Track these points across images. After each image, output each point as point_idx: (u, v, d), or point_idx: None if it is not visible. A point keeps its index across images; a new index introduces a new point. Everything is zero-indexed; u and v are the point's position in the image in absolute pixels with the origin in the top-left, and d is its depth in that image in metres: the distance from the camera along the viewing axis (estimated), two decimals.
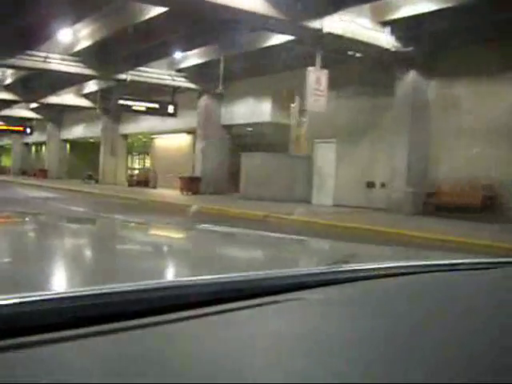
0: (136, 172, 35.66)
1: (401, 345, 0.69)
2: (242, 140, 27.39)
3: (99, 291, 0.70)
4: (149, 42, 19.94)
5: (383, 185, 18.35)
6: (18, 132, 41.35)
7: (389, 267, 1.12)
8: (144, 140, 37.05)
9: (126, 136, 35.90)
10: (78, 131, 41.52)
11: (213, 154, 25.42)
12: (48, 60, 21.63)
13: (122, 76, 23.31)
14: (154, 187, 30.37)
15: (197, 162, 25.78)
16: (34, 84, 30.82)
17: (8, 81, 30.80)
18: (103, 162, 35.16)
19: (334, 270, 1.06)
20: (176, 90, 24.68)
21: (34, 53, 21.35)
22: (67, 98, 33.32)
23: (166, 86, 24.38)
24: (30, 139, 49.37)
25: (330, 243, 2.13)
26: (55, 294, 0.70)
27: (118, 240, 1.81)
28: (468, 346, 0.70)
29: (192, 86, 24.85)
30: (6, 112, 39.50)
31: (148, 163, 37.23)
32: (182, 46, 21.00)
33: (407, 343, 0.70)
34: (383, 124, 18.29)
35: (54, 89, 31.58)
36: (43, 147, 50.38)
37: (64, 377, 0.54)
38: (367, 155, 18.98)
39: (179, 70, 24.16)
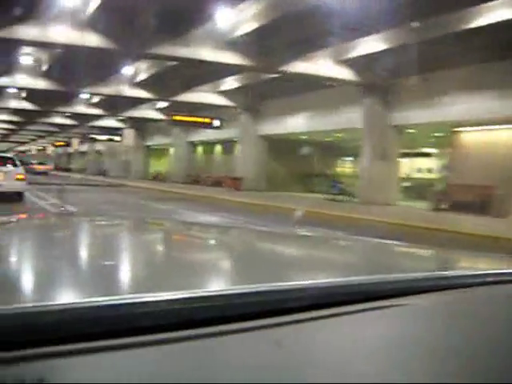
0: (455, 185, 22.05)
1: (502, 357, 0.69)
2: None
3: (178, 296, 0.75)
4: None
5: None
6: (202, 125, 30.49)
7: (490, 274, 1.13)
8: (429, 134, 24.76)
9: (397, 127, 23.63)
10: (290, 124, 29.93)
11: None
12: None
13: None
14: (504, 215, 17.34)
15: None
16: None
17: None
18: (369, 169, 23.13)
19: (435, 276, 1.08)
20: None
21: None
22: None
23: None
24: (197, 137, 38.88)
25: (429, 249, 2.02)
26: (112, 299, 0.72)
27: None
28: None
29: None
30: (184, 97, 29.19)
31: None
32: None
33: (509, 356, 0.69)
34: None
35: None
36: (217, 147, 39.74)
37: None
38: None
39: None
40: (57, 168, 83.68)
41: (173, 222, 3.11)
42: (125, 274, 1.13)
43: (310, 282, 0.91)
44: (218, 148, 39.88)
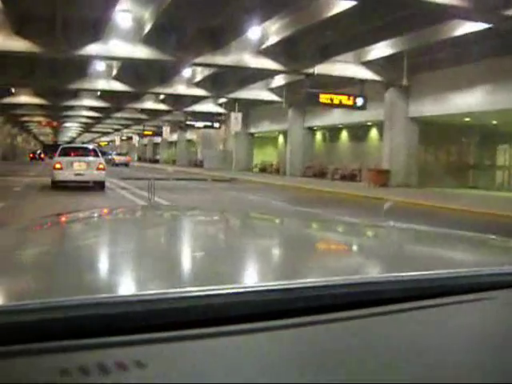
0: None
1: None
2: None
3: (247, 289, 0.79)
4: None
5: None
6: (339, 105, 24.11)
7: None
8: None
9: None
10: (456, 102, 23.01)
11: None
12: None
13: None
14: None
15: None
16: None
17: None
18: None
19: None
20: None
21: None
22: None
23: None
24: (317, 121, 32.78)
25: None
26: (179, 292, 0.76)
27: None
28: None
29: None
30: (317, 69, 22.88)
31: None
32: None
33: None
34: None
35: None
36: (343, 133, 33.44)
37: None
38: None
39: None
40: (141, 159, 79.75)
41: (287, 218, 2.94)
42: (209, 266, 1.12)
43: (388, 274, 0.93)
44: (345, 134, 33.31)
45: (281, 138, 40.53)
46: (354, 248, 1.60)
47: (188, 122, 41.45)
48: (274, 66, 22.84)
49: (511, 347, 0.71)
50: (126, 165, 55.02)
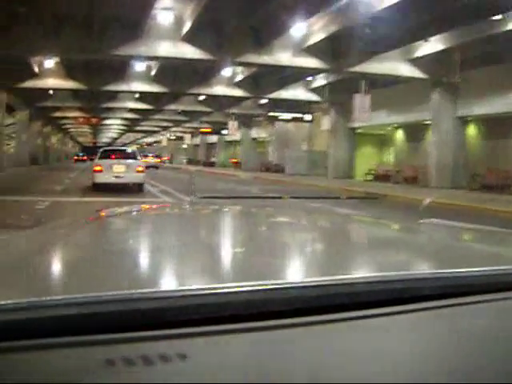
0: None
1: None
2: None
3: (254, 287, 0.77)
4: None
5: None
6: None
7: None
8: None
9: None
10: None
11: None
12: None
13: None
14: None
15: None
16: None
17: None
18: None
19: None
20: None
21: None
22: None
23: None
24: (476, 108, 21.99)
25: None
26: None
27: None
28: None
29: None
30: None
31: None
32: None
33: None
34: None
35: None
36: None
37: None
38: None
39: None
40: (192, 162, 69.65)
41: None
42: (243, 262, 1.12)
43: (398, 273, 0.92)
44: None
45: (399, 134, 29.79)
46: (367, 246, 1.49)
47: (271, 113, 30.96)
48: None
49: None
50: (156, 167, 47.66)
